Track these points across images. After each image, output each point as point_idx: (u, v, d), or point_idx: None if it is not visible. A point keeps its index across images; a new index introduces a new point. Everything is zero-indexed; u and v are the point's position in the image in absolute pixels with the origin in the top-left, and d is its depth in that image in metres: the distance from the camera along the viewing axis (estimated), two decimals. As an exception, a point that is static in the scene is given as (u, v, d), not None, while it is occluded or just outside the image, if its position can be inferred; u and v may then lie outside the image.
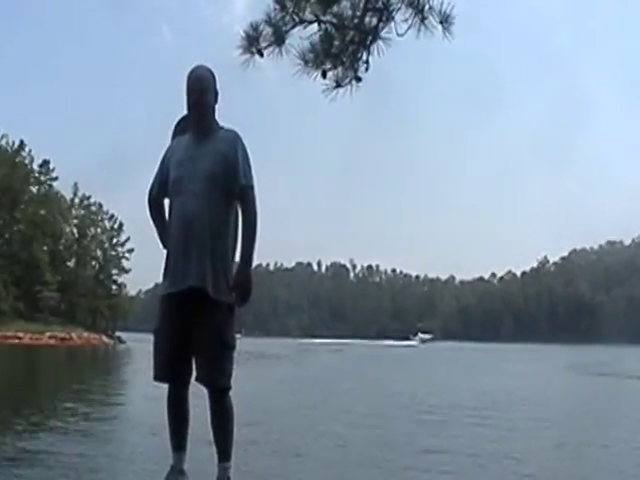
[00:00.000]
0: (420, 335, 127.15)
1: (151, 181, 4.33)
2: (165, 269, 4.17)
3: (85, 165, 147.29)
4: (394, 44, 4.85)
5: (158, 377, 4.14)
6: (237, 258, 4.17)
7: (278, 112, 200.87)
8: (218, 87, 4.21)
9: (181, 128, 4.34)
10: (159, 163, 4.29)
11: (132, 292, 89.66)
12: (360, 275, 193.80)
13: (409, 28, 4.74)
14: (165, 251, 4.23)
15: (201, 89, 4.12)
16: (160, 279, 4.21)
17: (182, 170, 4.11)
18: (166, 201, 4.30)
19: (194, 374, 4.11)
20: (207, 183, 4.05)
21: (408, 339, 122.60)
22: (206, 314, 4.02)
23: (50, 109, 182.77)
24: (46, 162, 75.06)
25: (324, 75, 4.89)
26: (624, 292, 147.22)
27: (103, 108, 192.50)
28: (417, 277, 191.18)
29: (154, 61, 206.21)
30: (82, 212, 78.81)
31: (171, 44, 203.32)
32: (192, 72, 4.18)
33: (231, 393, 4.11)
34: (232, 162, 4.09)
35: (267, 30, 4.83)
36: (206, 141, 4.15)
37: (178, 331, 4.03)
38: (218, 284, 4.04)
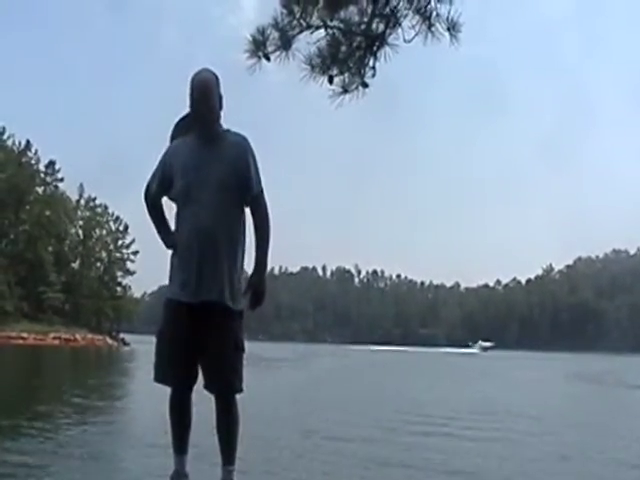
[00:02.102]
0: (481, 343, 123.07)
1: (148, 179, 4.23)
2: (172, 274, 4.11)
3: (91, 166, 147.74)
4: (401, 50, 4.86)
5: (158, 379, 4.13)
6: (248, 260, 4.15)
7: (283, 115, 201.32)
8: (222, 91, 4.10)
9: (181, 129, 4.26)
10: (158, 162, 4.20)
11: (137, 294, 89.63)
12: (365, 280, 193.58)
13: (416, 35, 4.74)
14: (170, 252, 4.16)
15: (205, 93, 4.01)
16: (165, 282, 4.19)
17: (190, 178, 4.03)
18: (166, 201, 4.22)
19: (200, 381, 4.08)
20: (218, 193, 4.00)
21: (468, 347, 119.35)
22: (220, 322, 4.00)
23: (56, 110, 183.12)
24: (52, 163, 75.34)
25: (331, 80, 4.89)
26: (629, 300, 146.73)
27: (109, 109, 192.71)
28: (422, 283, 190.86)
29: (160, 62, 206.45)
30: (87, 213, 78.87)
31: (177, 45, 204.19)
32: (196, 75, 4.07)
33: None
34: (243, 171, 4.05)
35: (274, 34, 4.83)
36: (213, 147, 4.07)
37: (184, 335, 4.00)
38: (234, 294, 4.04)
